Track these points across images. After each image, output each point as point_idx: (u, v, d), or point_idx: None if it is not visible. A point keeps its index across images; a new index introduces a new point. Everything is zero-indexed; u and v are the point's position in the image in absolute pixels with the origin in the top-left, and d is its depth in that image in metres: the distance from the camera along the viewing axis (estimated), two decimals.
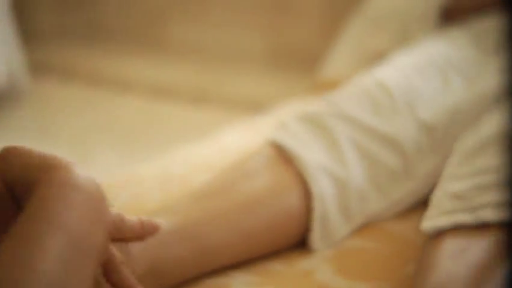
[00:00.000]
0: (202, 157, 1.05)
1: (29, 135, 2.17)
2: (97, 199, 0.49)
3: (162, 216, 0.72)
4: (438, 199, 0.74)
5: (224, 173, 0.82)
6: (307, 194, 0.80)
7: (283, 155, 0.82)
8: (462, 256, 0.66)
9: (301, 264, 0.78)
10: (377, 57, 1.21)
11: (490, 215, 0.70)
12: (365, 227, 0.83)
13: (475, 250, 0.67)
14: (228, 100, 2.26)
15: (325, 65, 1.48)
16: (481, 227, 0.70)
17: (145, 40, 2.68)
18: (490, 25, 1.06)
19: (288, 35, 2.39)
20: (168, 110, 2.28)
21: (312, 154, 0.82)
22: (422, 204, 0.83)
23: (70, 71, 2.63)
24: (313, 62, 1.87)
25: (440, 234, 0.71)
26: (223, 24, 2.51)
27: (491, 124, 0.80)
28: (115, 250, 0.57)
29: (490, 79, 0.93)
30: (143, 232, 0.58)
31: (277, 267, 0.77)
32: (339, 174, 0.81)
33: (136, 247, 0.66)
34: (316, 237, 0.80)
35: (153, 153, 1.42)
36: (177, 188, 0.90)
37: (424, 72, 0.94)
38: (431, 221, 0.72)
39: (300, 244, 0.81)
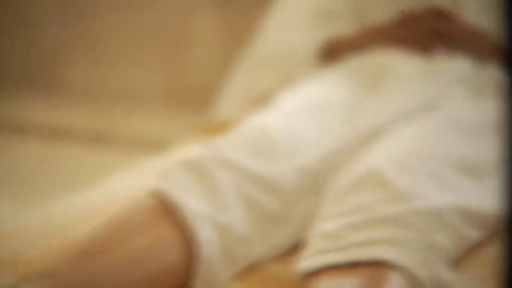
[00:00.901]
0: (87, 204, 1.03)
1: None
2: None
3: (38, 282, 0.71)
4: (313, 239, 0.76)
5: (106, 227, 0.81)
6: (190, 242, 0.80)
7: (165, 204, 0.83)
8: None
9: None
10: (263, 97, 1.24)
11: (361, 253, 0.72)
12: (248, 270, 0.85)
13: None
14: (126, 141, 2.24)
15: (216, 105, 1.50)
16: (353, 266, 0.72)
17: (40, 82, 2.63)
18: (367, 63, 1.11)
19: (186, 74, 2.41)
20: (66, 154, 2.24)
21: (194, 202, 0.82)
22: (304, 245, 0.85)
23: None
24: (211, 101, 1.89)
25: (315, 274, 0.73)
26: (120, 64, 2.50)
27: (363, 164, 0.84)
28: None
29: (366, 118, 0.97)
30: None
31: None
32: (221, 220, 0.82)
33: None
34: (200, 284, 0.81)
35: (48, 200, 1.39)
36: (59, 241, 0.89)
37: (304, 115, 0.98)
38: (306, 261, 0.74)
39: None
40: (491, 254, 0.83)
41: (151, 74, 2.45)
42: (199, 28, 2.36)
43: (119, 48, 2.47)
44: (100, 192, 1.09)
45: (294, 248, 0.87)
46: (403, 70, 1.04)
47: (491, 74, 1.06)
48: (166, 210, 0.82)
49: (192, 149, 1.09)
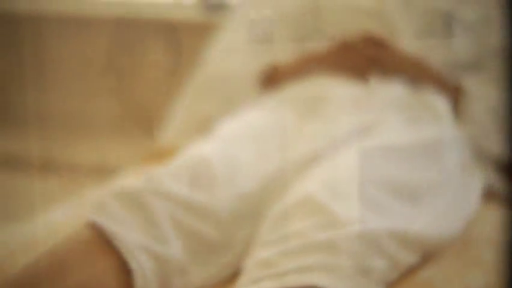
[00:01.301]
0: (26, 236, 1.02)
1: None
2: None
3: None
4: (248, 268, 0.77)
5: (42, 261, 0.81)
6: (127, 274, 0.80)
7: (101, 237, 0.82)
8: None
9: None
10: (206, 123, 1.25)
11: (295, 280, 0.73)
12: None
13: None
14: (76, 168, 2.22)
15: (162, 131, 1.50)
16: None
17: None
18: (305, 90, 1.13)
19: (138, 99, 2.40)
20: (13, 182, 2.20)
21: (130, 233, 0.82)
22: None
23: None
24: (160, 127, 1.89)
25: None
26: (71, 90, 2.48)
27: (298, 190, 0.85)
28: None
29: (303, 144, 0.99)
30: None
31: None
32: (158, 251, 0.82)
33: None
34: None
35: None
36: None
37: (243, 142, 0.99)
38: None
39: None
40: (426, 276, 0.85)
41: (102, 100, 2.43)
42: (150, 53, 2.37)
43: (69, 73, 2.45)
44: (40, 223, 1.07)
45: (234, 276, 0.88)
46: (340, 97, 1.06)
47: (427, 99, 1.08)
48: (102, 242, 0.82)
49: (132, 179, 1.09)
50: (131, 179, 1.13)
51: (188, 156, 0.95)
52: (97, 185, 1.30)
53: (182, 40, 2.27)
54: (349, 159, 0.91)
